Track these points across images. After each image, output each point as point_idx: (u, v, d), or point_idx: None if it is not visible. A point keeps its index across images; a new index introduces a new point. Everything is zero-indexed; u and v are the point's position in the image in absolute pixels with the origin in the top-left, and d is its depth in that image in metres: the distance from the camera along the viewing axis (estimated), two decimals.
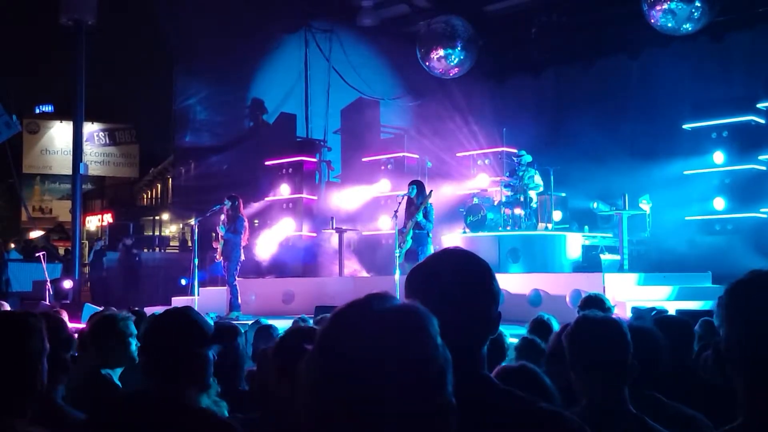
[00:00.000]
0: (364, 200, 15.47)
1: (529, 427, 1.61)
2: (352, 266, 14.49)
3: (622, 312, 7.96)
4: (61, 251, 21.72)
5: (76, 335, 4.08)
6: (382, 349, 1.17)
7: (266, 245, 15.40)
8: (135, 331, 3.70)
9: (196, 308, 8.36)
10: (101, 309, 7.77)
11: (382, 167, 15.88)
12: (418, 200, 10.16)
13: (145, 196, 38.08)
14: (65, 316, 6.88)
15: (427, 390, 1.19)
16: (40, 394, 2.08)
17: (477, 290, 1.73)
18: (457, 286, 1.70)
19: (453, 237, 12.79)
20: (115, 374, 3.69)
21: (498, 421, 1.60)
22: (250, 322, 7.08)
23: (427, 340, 1.22)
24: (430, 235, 10.44)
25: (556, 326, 4.97)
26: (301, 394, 1.21)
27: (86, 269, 19.08)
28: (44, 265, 13.77)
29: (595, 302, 4.95)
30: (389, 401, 1.15)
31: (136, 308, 6.66)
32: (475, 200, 13.10)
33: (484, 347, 1.74)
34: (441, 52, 15.21)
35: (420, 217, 9.99)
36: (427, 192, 10.28)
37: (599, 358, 2.32)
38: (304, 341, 2.19)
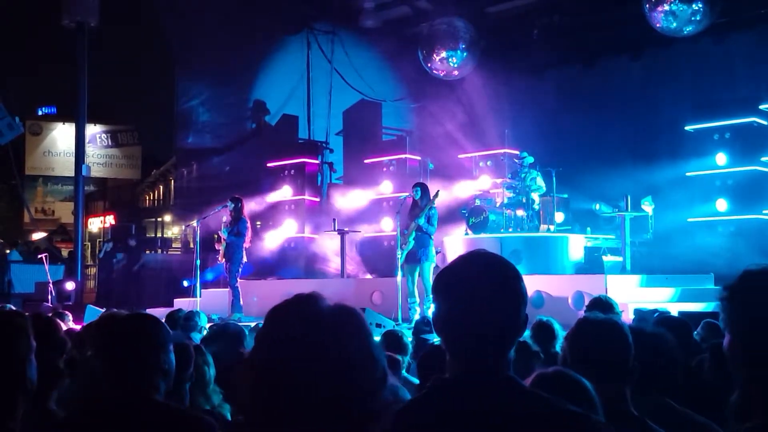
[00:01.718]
0: (366, 202, 15.48)
1: (555, 428, 1.61)
2: (354, 268, 14.49)
3: (625, 314, 7.95)
4: (65, 253, 21.74)
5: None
6: (321, 344, 1.17)
7: (269, 246, 15.42)
8: None
9: (198, 309, 8.29)
10: (103, 310, 7.77)
11: (384, 169, 15.88)
12: (422, 202, 10.11)
13: (147, 198, 38.07)
14: (70, 318, 6.88)
15: (361, 394, 1.19)
16: (32, 395, 2.08)
17: (504, 293, 1.72)
18: (485, 289, 1.71)
19: (455, 239, 12.79)
20: None
21: (525, 422, 1.60)
22: (252, 324, 7.09)
23: (366, 345, 1.22)
24: (432, 237, 10.44)
25: (557, 328, 4.97)
26: (242, 386, 1.22)
27: (92, 270, 19.08)
28: (47, 266, 13.80)
29: (601, 305, 4.90)
30: (324, 398, 1.15)
31: (137, 310, 6.64)
32: (477, 202, 13.09)
33: (512, 350, 1.73)
34: (443, 54, 15.22)
35: (422, 220, 9.97)
36: (433, 193, 10.19)
37: (600, 359, 2.31)
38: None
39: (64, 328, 6.02)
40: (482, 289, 1.70)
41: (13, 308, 6.38)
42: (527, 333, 5.02)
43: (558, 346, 4.69)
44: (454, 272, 1.77)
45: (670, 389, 2.67)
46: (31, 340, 2.04)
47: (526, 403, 1.64)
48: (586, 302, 9.02)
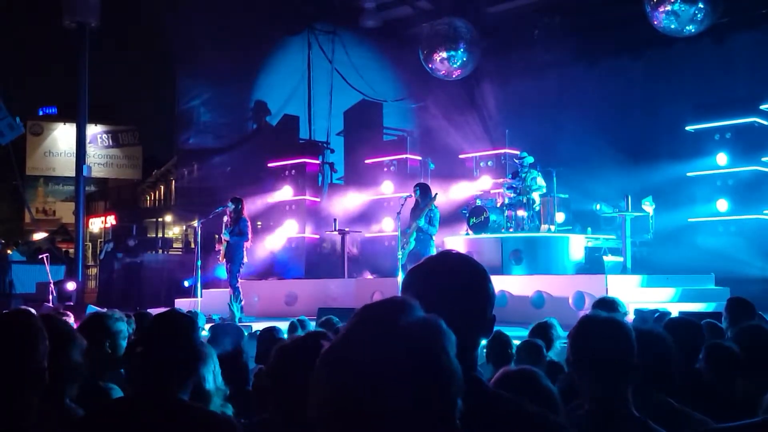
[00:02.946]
0: (366, 202, 15.49)
1: (515, 429, 1.63)
2: (355, 268, 14.49)
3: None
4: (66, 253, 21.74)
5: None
6: (397, 366, 1.15)
7: (270, 246, 15.43)
8: (121, 331, 3.62)
9: (197, 309, 8.30)
10: (104, 311, 7.77)
11: (385, 169, 15.89)
12: (422, 203, 10.14)
13: (148, 198, 38.08)
14: (71, 318, 6.89)
15: (438, 414, 1.18)
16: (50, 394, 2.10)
17: (471, 292, 1.74)
18: (452, 288, 1.72)
19: (456, 239, 12.79)
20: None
21: (486, 423, 1.60)
22: (252, 324, 7.10)
23: (446, 363, 1.20)
24: (433, 237, 10.45)
25: (558, 329, 4.95)
26: (313, 400, 1.19)
27: (93, 270, 19.04)
28: (47, 266, 13.80)
29: (606, 304, 4.87)
30: (399, 420, 1.14)
31: (141, 310, 6.65)
32: (478, 202, 13.10)
33: (476, 349, 1.76)
34: (444, 54, 15.22)
35: (422, 222, 10.00)
36: (433, 194, 10.25)
37: (602, 357, 2.31)
38: (300, 356, 2.19)
39: None
40: (448, 289, 1.71)
41: (30, 309, 6.38)
42: (526, 333, 5.02)
43: (553, 350, 4.70)
44: (423, 272, 1.78)
45: (668, 388, 2.67)
46: (47, 342, 2.06)
47: (487, 403, 1.65)
48: (587, 302, 9.05)
